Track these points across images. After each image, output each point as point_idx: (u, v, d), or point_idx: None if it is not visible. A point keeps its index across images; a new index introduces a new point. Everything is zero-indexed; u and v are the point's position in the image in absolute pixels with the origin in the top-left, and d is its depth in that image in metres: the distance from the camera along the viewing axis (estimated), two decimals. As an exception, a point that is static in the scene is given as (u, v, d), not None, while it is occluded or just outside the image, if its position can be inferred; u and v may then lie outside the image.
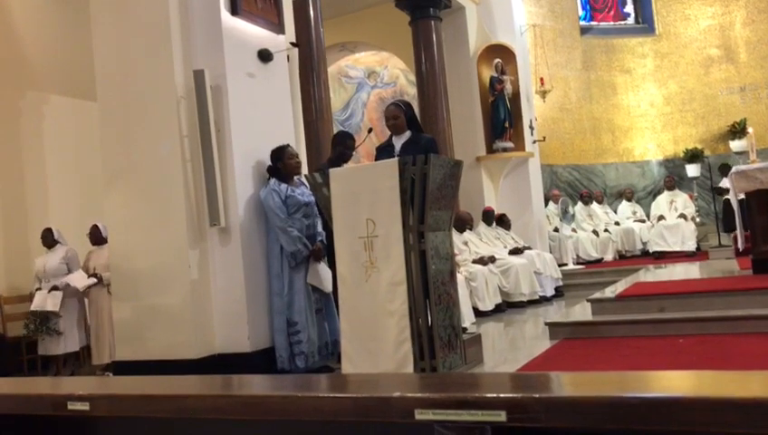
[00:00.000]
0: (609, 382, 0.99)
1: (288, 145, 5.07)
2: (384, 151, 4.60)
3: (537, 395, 0.91)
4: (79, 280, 6.36)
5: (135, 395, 1.24)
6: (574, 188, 12.10)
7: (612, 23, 13.15)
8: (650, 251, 10.42)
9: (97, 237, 6.52)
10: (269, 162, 5.02)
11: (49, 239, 6.63)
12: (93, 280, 6.31)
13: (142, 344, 4.90)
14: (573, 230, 10.62)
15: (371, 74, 12.42)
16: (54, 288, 6.30)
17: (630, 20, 13.18)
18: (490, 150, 9.57)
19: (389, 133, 4.69)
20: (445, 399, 0.96)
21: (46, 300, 6.28)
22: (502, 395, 0.92)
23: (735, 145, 11.92)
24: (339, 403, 1.04)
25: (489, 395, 0.93)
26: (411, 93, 11.26)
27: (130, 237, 5.02)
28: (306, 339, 4.76)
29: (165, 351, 4.78)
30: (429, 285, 3.95)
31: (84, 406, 1.24)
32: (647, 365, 3.98)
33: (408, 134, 4.59)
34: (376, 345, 3.93)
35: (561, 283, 8.81)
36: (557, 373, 1.04)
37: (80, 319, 6.52)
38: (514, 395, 0.93)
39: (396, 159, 4.07)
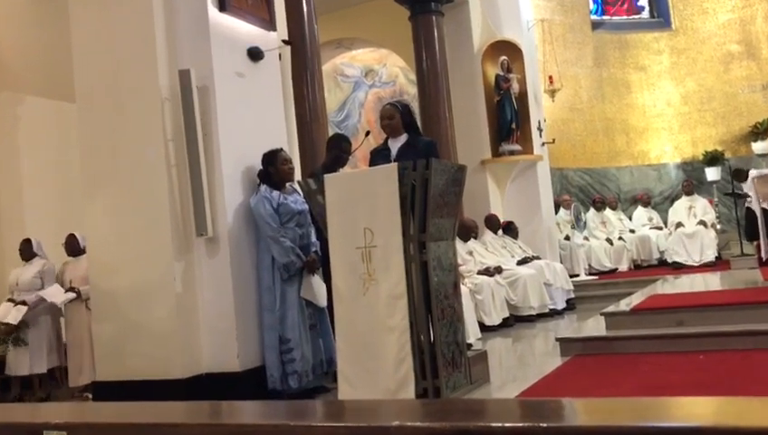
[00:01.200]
0: (625, 410, 0.98)
1: (280, 149, 5.07)
2: (379, 155, 4.59)
3: (546, 424, 0.90)
4: (56, 295, 6.33)
5: (116, 424, 1.23)
6: (586, 193, 12.10)
7: (626, 17, 13.19)
8: (668, 260, 10.42)
9: (74, 248, 6.50)
10: (260, 167, 5.01)
11: (27, 252, 6.60)
12: (72, 295, 6.29)
13: (124, 364, 4.88)
14: (585, 238, 10.62)
15: (369, 73, 12.45)
16: (24, 303, 6.26)
17: (645, 14, 13.22)
18: (496, 154, 9.57)
19: (386, 136, 4.68)
20: (447, 429, 0.96)
21: (9, 311, 6.25)
22: (508, 425, 0.92)
23: (758, 147, 11.93)
24: (334, 433, 1.03)
25: (495, 425, 0.93)
26: (411, 93, 11.29)
27: (111, 248, 5.01)
28: (300, 357, 4.74)
29: (148, 370, 4.76)
30: (431, 299, 3.94)
31: (61, 435, 1.24)
32: (664, 383, 3.97)
33: (404, 137, 4.58)
34: (374, 364, 3.91)
35: (572, 295, 8.79)
36: (569, 400, 1.04)
37: (52, 338, 6.46)
38: (522, 424, 0.92)
39: (395, 163, 4.06)
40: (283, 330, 4.78)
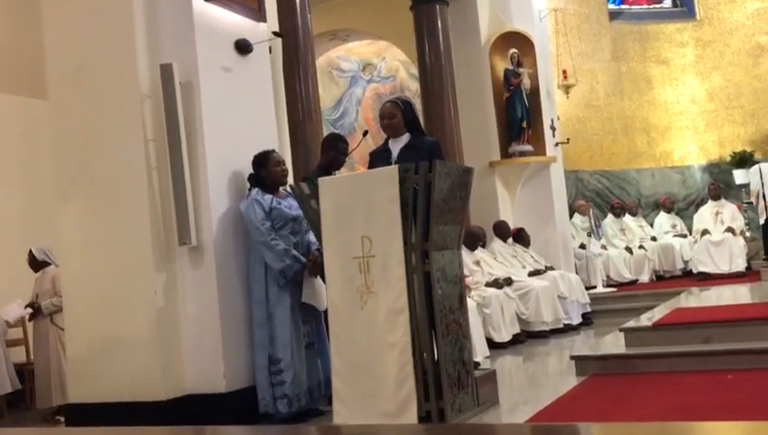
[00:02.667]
0: (647, 436, 0.98)
1: (273, 150, 5.08)
2: (379, 157, 4.59)
3: (562, 452, 0.89)
4: (9, 312, 6.32)
5: (90, 450, 1.23)
6: (604, 197, 12.10)
7: (646, 6, 13.22)
8: (693, 271, 10.41)
9: (35, 263, 6.53)
10: (248, 170, 5.02)
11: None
12: (28, 311, 6.28)
13: (99, 384, 4.87)
14: (603, 247, 10.61)
15: (367, 67, 12.47)
16: None
17: (667, 3, 13.25)
18: (505, 155, 9.57)
19: (386, 136, 4.68)
20: (454, 456, 0.95)
21: None
22: (521, 452, 0.91)
23: (791, 147, 11.94)
24: (329, 461, 1.03)
25: (506, 452, 0.92)
26: (413, 89, 11.30)
27: (85, 258, 5.01)
28: (291, 379, 4.73)
29: (126, 391, 4.75)
30: (435, 313, 3.93)
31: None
32: (690, 406, 3.96)
33: (406, 137, 4.59)
34: (373, 384, 3.91)
35: (589, 308, 8.78)
36: (585, 424, 1.04)
37: (7, 357, 6.43)
38: (536, 452, 0.92)
39: (395, 166, 4.07)
40: (274, 349, 4.78)
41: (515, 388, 5.25)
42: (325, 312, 4.58)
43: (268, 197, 4.90)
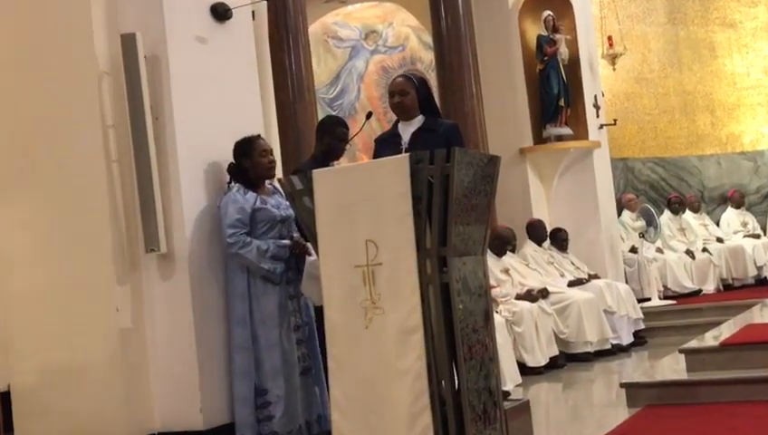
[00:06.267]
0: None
1: (258, 137, 5.08)
2: (386, 144, 4.61)
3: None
4: None
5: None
6: (659, 190, 12.08)
7: (709, -43, 13.18)
8: (768, 279, 10.41)
9: None
10: (230, 160, 5.02)
11: None
12: None
13: (50, 421, 4.88)
14: (659, 251, 10.59)
15: (370, 35, 12.46)
16: None
17: (734, -47, 13.21)
18: (539, 140, 9.58)
19: (395, 118, 4.68)
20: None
21: None
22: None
23: None
24: None
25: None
26: (426, 61, 11.29)
27: (30, 271, 5.01)
28: (281, 413, 4.73)
29: (83, 429, 4.76)
30: (456, 333, 3.93)
31: None
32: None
33: (419, 120, 4.60)
34: (380, 420, 3.91)
35: (642, 325, 8.79)
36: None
37: None
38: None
39: (406, 154, 4.07)
40: (260, 378, 4.79)
41: (553, 422, 5.25)
42: (321, 330, 4.57)
43: (251, 195, 4.89)
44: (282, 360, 4.81)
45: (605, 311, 8.20)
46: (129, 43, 4.87)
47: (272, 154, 5.11)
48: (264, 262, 4.78)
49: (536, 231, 8.98)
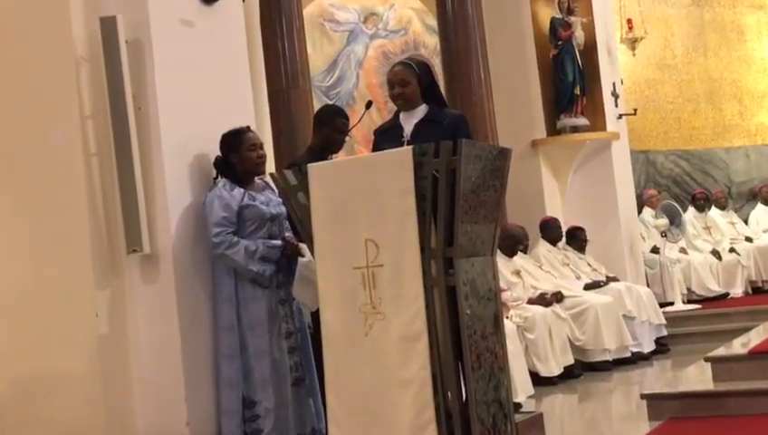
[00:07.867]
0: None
1: (247, 129, 5.09)
2: (387, 136, 4.62)
3: None
4: None
5: None
6: (682, 185, 12.08)
7: (737, -68, 13.18)
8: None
9: None
10: (217, 154, 5.02)
11: None
12: None
13: (26, 434, 4.88)
14: (682, 251, 10.59)
15: (370, 17, 12.45)
16: None
17: (764, -72, 13.20)
18: (553, 131, 9.58)
19: (395, 109, 4.69)
20: None
21: None
22: None
23: None
24: None
25: None
26: (430, 45, 11.28)
27: (4, 274, 5.00)
28: (270, 427, 4.73)
29: (60, 444, 4.77)
30: (463, 340, 3.94)
31: None
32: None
33: (423, 109, 4.61)
34: (381, 433, 3.92)
35: (664, 332, 8.80)
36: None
37: None
38: None
39: (409, 147, 4.07)
40: (249, 388, 4.78)
41: (569, 436, 5.26)
42: (317, 335, 4.58)
43: (238, 191, 4.88)
44: (272, 369, 4.81)
45: (624, 316, 8.20)
46: (108, 26, 4.86)
47: (261, 148, 5.09)
48: (252, 264, 4.78)
49: (550, 230, 8.98)
